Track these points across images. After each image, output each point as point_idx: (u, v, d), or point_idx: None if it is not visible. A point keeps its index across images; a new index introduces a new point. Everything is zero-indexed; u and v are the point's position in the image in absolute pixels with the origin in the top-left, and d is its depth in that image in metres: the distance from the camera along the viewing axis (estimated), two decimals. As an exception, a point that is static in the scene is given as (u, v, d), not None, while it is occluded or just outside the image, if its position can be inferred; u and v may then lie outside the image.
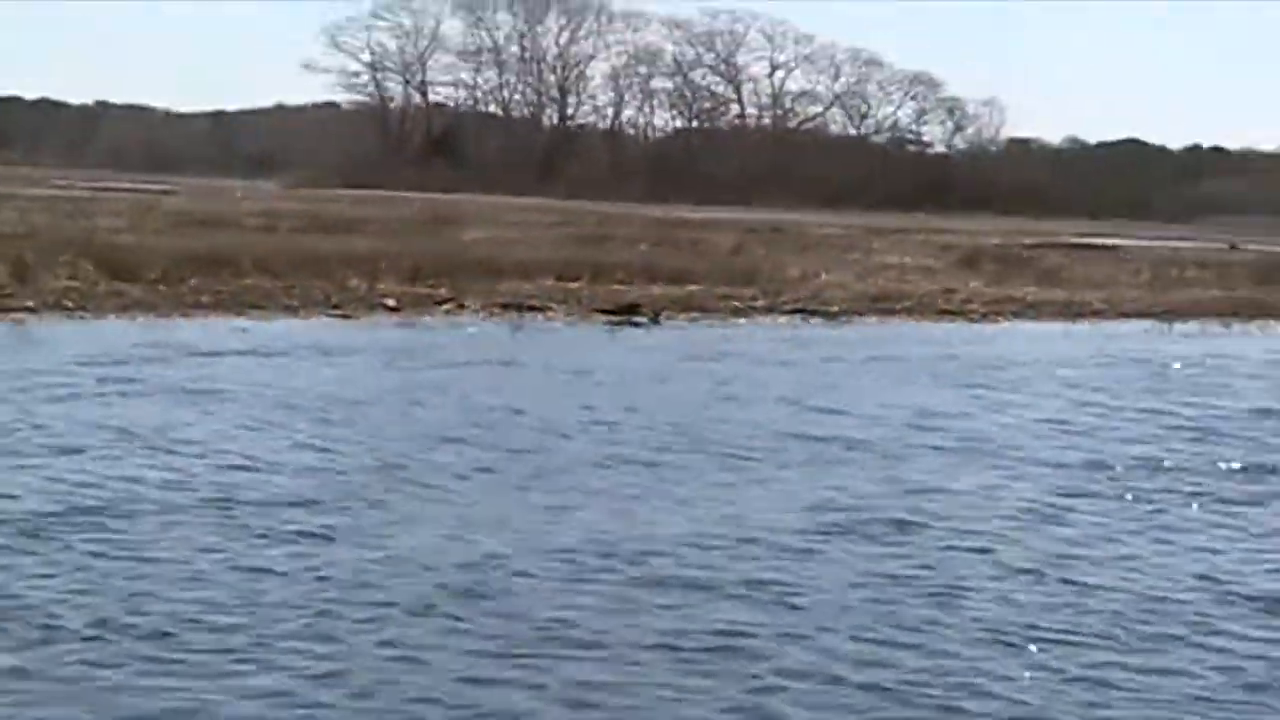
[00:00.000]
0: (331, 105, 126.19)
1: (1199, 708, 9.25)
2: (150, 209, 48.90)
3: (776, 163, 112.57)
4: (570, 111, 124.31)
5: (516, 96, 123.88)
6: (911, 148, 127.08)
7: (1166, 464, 17.40)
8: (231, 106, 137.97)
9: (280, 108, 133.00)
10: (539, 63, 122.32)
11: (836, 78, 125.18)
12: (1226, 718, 9.19)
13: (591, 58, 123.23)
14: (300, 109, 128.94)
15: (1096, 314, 37.11)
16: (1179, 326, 35.98)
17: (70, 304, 27.58)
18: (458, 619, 10.39)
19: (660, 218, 64.94)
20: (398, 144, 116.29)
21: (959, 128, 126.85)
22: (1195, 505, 15.20)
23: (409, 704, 8.84)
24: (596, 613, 10.66)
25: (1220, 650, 10.35)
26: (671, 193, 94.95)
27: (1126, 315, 37.01)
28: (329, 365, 22.97)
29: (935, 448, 17.86)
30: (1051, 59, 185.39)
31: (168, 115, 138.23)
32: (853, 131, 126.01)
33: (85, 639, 9.72)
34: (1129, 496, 15.45)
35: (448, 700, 8.92)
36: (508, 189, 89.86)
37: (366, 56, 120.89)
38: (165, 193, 67.82)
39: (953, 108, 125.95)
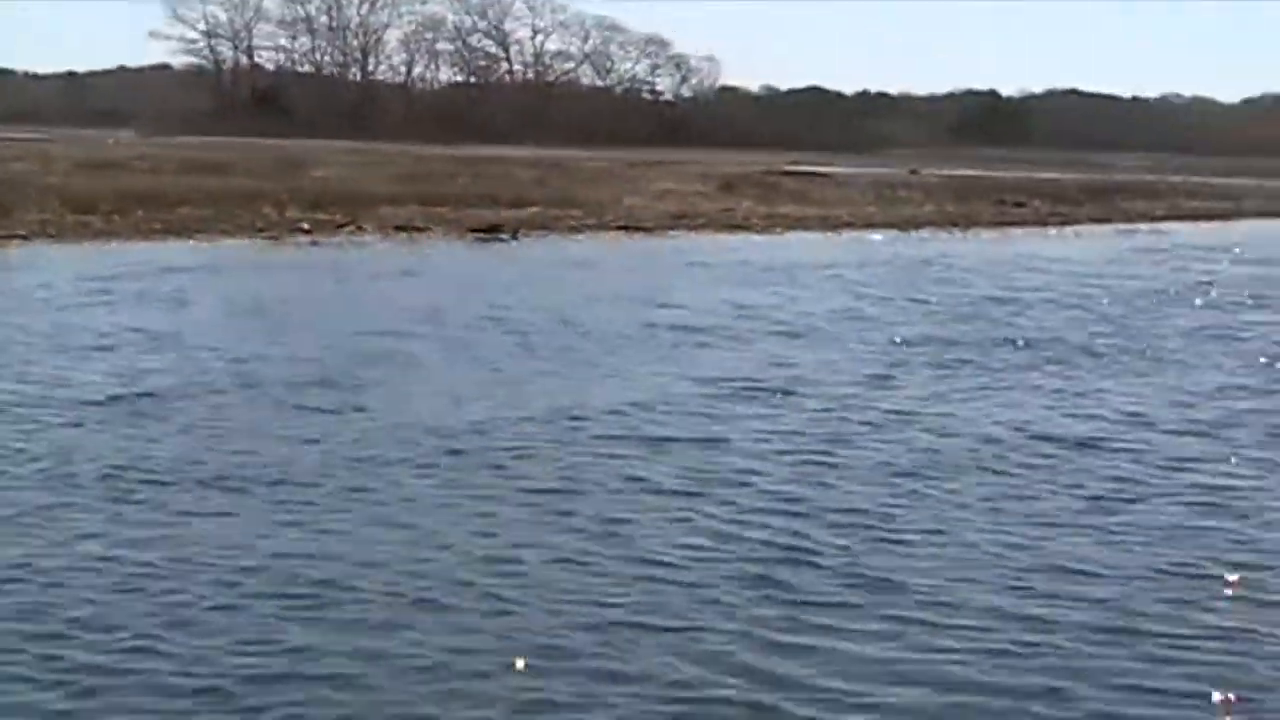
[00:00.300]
0: (166, 67, 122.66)
1: (1037, 517, 9.67)
2: (48, 156, 47.01)
3: (539, 110, 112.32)
4: (371, 70, 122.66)
5: (326, 58, 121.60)
6: (647, 96, 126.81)
7: (946, 340, 17.70)
8: (80, 69, 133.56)
9: (122, 69, 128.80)
10: (344, 30, 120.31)
11: (586, 40, 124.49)
12: (1056, 525, 9.56)
13: (387, 26, 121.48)
14: (139, 70, 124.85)
15: (848, 225, 37.31)
16: (914, 234, 36.41)
17: (52, 233, 26.83)
18: (474, 472, 10.41)
19: (459, 155, 63.82)
20: (229, 100, 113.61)
21: (684, 79, 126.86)
22: (986, 371, 15.52)
23: (452, 540, 8.79)
24: (582, 464, 10.77)
25: (1044, 478, 10.80)
26: (455, 136, 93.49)
27: (872, 226, 37.27)
28: (272, 277, 22.67)
29: (768, 333, 18.08)
30: (756, 19, 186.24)
31: (26, 76, 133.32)
32: (600, 84, 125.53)
33: (174, 491, 9.74)
34: (932, 366, 15.71)
35: (489, 534, 8.94)
36: (323, 135, 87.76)
37: (202, 26, 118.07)
38: (43, 141, 65.28)
39: (679, 63, 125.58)
